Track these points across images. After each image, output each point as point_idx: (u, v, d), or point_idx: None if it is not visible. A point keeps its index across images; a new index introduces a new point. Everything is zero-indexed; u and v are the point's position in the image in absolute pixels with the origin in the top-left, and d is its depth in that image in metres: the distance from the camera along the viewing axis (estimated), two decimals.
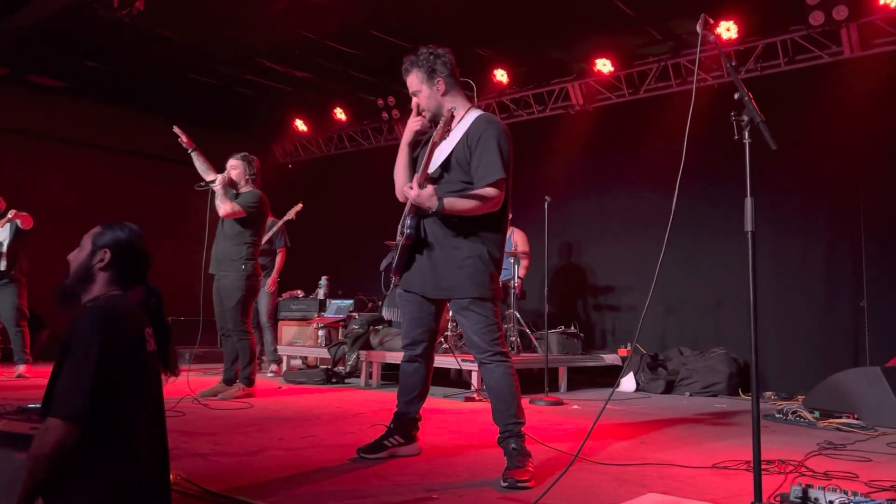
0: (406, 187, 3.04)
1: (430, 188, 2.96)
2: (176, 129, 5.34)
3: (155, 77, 8.66)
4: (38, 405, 3.91)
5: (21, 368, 6.22)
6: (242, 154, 5.47)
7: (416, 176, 3.04)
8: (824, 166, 6.42)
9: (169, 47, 7.67)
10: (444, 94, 3.17)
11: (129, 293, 2.14)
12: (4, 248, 6.34)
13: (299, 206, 7.26)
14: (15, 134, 8.76)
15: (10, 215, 6.31)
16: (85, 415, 1.84)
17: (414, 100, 3.23)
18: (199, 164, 5.40)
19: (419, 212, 3.06)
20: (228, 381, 5.27)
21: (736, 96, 2.19)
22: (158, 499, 2.04)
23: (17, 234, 6.39)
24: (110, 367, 1.89)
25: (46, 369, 5.98)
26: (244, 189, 5.38)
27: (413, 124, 3.22)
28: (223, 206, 5.14)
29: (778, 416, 4.79)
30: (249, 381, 5.29)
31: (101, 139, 9.45)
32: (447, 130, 3.03)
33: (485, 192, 2.97)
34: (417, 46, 3.28)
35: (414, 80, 3.19)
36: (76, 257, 2.14)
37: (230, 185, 5.30)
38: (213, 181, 5.22)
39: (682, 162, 2.35)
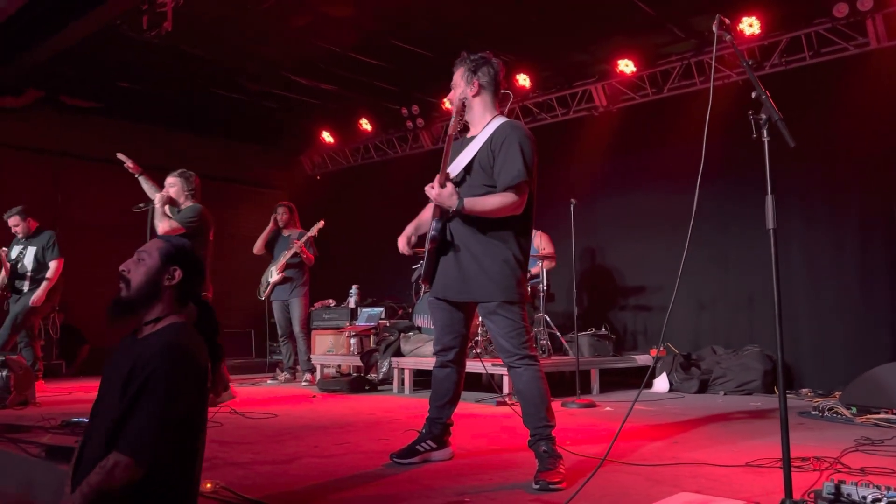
0: (427, 187, 3.08)
1: (450, 187, 3.01)
2: (120, 156, 5.30)
3: (184, 94, 8.86)
4: (82, 419, 4.04)
5: None
6: (180, 171, 5.38)
7: (438, 176, 3.09)
8: (854, 158, 6.33)
9: (197, 65, 7.84)
10: (475, 96, 3.23)
11: (185, 311, 2.09)
12: (29, 271, 6.48)
13: (321, 224, 7.22)
14: (51, 155, 9.02)
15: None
16: (158, 457, 1.84)
17: (450, 94, 3.31)
18: (148, 187, 5.36)
19: (443, 214, 3.11)
20: None
21: (753, 95, 2.19)
22: None
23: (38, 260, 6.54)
24: (187, 409, 1.90)
25: (87, 384, 6.04)
26: (185, 205, 5.29)
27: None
28: (161, 224, 5.02)
29: (814, 412, 4.74)
30: (224, 385, 5.24)
31: (134, 157, 9.65)
32: (459, 121, 3.12)
33: (506, 193, 3.01)
34: (440, 55, 3.35)
35: (457, 75, 3.28)
36: (136, 271, 2.05)
37: (170, 203, 5.21)
38: (151, 201, 5.17)
39: (703, 160, 2.36)
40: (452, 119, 3.10)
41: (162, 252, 2.07)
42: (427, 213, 3.40)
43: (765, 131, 2.17)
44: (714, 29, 2.30)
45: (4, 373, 5.16)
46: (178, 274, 2.05)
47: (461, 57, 3.27)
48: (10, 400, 5.12)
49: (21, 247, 6.55)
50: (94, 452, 1.91)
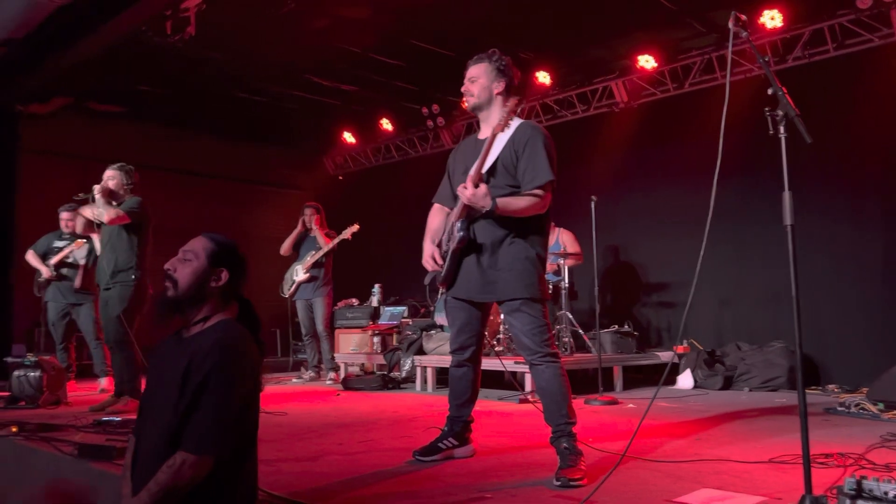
0: (461, 187, 3.07)
1: (483, 187, 3.00)
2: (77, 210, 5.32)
3: (207, 98, 8.96)
4: (113, 418, 4.13)
5: (103, 382, 6.45)
6: (119, 164, 5.33)
7: (471, 175, 3.08)
8: (879, 152, 6.24)
9: (219, 69, 7.94)
10: (498, 94, 3.24)
11: (229, 309, 2.13)
12: (81, 263, 6.61)
13: (355, 227, 7.26)
14: (79, 159, 9.16)
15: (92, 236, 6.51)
16: (223, 453, 1.89)
17: (465, 85, 3.27)
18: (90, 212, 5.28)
19: (470, 213, 3.12)
20: (120, 394, 5.13)
21: (770, 91, 2.19)
22: None
23: (92, 254, 6.64)
24: (245, 403, 1.95)
25: None
26: (124, 199, 5.25)
27: None
28: (107, 213, 4.98)
29: (840, 408, 4.69)
30: (138, 393, 5.05)
31: (159, 160, 9.80)
32: (509, 118, 3.08)
33: (535, 193, 3.05)
34: (459, 54, 3.37)
35: (479, 70, 3.25)
36: (183, 271, 2.08)
37: (110, 195, 5.16)
38: (89, 194, 5.11)
39: (720, 156, 2.37)
40: (503, 116, 3.04)
41: (209, 253, 2.09)
42: (434, 221, 3.41)
43: (781, 128, 2.17)
44: (730, 26, 2.30)
45: (37, 373, 5.29)
46: (224, 275, 2.08)
47: (489, 53, 3.26)
48: (42, 399, 5.24)
49: (66, 242, 6.65)
50: (150, 451, 1.94)
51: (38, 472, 3.39)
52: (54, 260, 6.60)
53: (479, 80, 3.24)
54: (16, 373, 5.33)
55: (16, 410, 5.01)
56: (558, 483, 2.72)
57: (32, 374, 5.29)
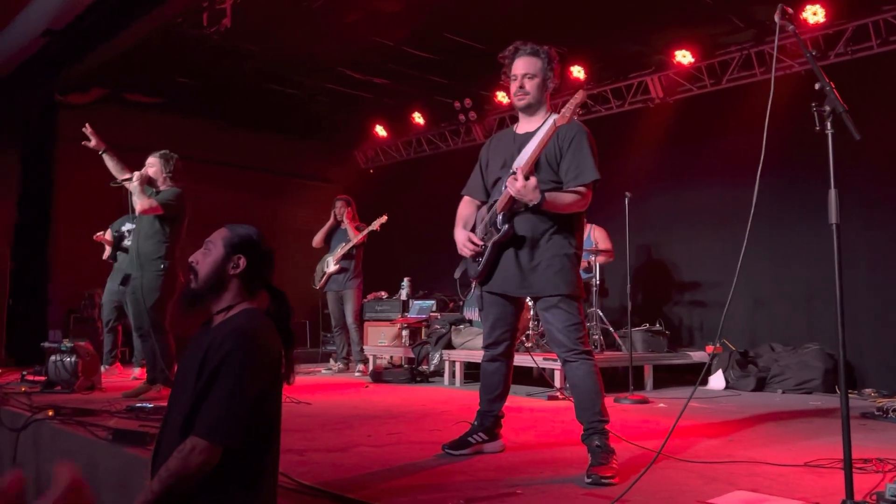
0: (510, 178, 3.01)
1: (534, 180, 2.95)
2: (86, 129, 5.21)
3: (241, 90, 9.03)
4: (146, 404, 4.19)
5: (136, 371, 6.54)
6: (161, 152, 5.32)
7: (521, 167, 3.03)
8: None
9: (253, 61, 7.99)
10: (548, 93, 3.25)
11: (256, 300, 2.13)
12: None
13: (384, 218, 7.30)
14: (115, 149, 9.27)
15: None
16: (234, 442, 1.88)
17: (519, 80, 3.19)
18: (112, 164, 5.28)
19: (513, 208, 3.09)
20: (153, 381, 5.14)
21: (817, 86, 2.14)
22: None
23: None
24: (259, 393, 1.94)
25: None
26: (163, 187, 5.24)
27: None
28: (140, 203, 4.97)
29: (878, 413, 4.59)
30: (171, 382, 5.01)
31: (192, 151, 9.84)
32: (572, 117, 3.04)
33: (579, 191, 3.04)
34: (492, 48, 3.33)
35: (535, 66, 3.18)
36: (204, 261, 2.10)
37: (148, 182, 5.14)
38: (129, 178, 5.09)
39: (763, 154, 2.32)
40: (570, 109, 3.00)
41: (225, 241, 2.10)
42: (465, 210, 3.38)
43: (828, 123, 2.11)
44: (776, 19, 2.25)
45: (73, 358, 5.38)
46: (242, 262, 2.08)
47: (542, 48, 3.19)
48: (77, 385, 5.33)
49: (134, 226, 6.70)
50: (171, 439, 1.96)
51: (73, 455, 3.44)
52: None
53: (536, 77, 3.18)
54: (52, 358, 5.43)
55: (52, 395, 5.10)
56: (589, 480, 2.70)
57: (68, 359, 5.39)
